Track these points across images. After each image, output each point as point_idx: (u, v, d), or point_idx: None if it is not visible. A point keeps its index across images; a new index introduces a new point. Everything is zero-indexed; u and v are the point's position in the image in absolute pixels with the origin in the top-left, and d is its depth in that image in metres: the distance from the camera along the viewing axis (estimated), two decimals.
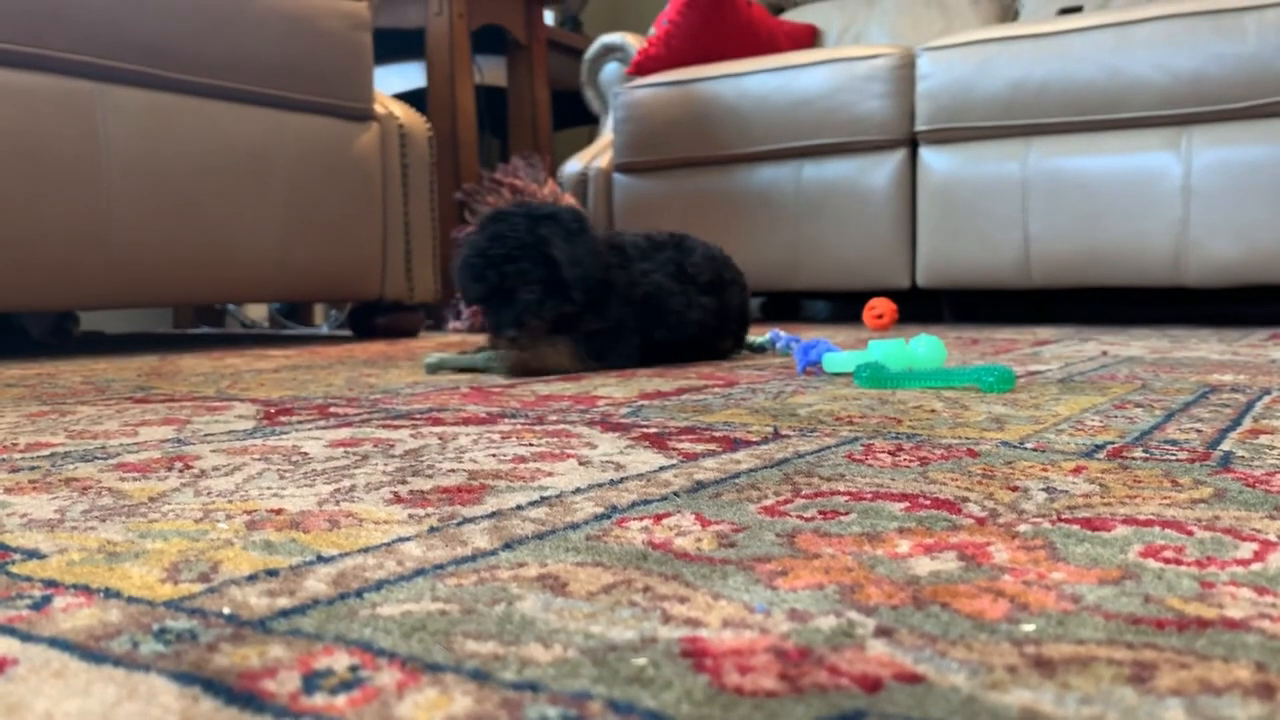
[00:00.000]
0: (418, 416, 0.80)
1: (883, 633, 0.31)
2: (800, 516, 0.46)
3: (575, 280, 1.17)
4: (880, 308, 1.94)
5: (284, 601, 0.34)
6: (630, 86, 2.59)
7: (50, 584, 0.37)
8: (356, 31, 1.92)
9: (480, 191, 2.33)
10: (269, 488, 0.53)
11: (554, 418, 0.78)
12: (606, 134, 2.76)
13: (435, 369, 1.20)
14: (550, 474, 0.56)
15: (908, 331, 1.77)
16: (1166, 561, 0.38)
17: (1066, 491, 0.50)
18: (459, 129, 2.58)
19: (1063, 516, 0.45)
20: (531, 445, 0.65)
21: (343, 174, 1.91)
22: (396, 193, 2.03)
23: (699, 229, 2.49)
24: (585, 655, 0.29)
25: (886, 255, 2.28)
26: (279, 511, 0.47)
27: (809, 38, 2.91)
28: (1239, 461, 0.57)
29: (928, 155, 2.23)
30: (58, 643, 0.31)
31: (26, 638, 0.31)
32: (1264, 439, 0.65)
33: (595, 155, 2.69)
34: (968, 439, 0.66)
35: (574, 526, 0.44)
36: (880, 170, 2.28)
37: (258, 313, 2.92)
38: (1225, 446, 0.62)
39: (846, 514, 0.46)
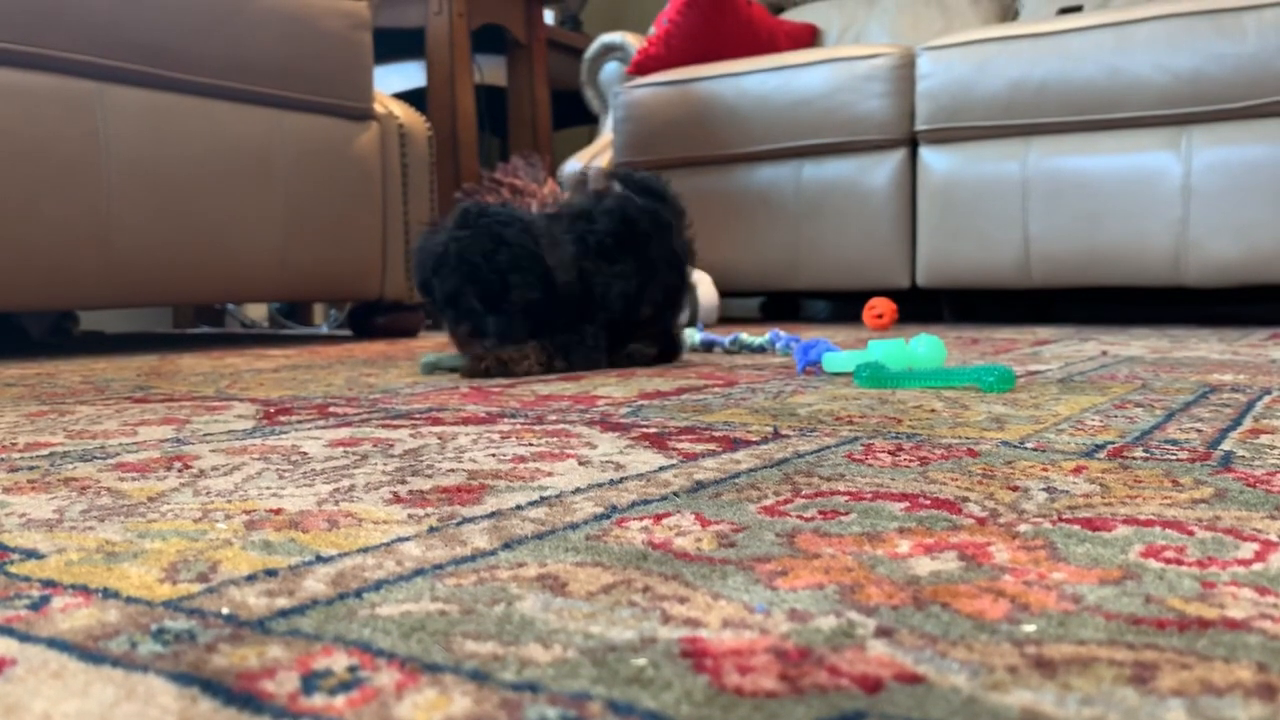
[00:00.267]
0: (417, 416, 0.80)
1: (883, 633, 0.31)
2: (800, 516, 0.46)
3: (563, 289, 1.14)
4: (880, 307, 1.94)
5: (283, 602, 0.34)
6: (630, 86, 2.59)
7: (49, 584, 0.37)
8: (356, 31, 1.92)
9: (480, 191, 2.33)
10: (268, 487, 0.53)
11: (554, 417, 0.78)
12: (606, 133, 2.76)
13: (431, 369, 1.20)
14: (550, 474, 0.56)
15: (908, 331, 1.77)
16: (1167, 562, 0.38)
17: (1067, 491, 0.50)
18: (459, 128, 2.58)
19: (1063, 516, 0.45)
20: (531, 445, 0.65)
21: (343, 173, 1.91)
22: (396, 192, 2.03)
23: (699, 228, 2.49)
24: (585, 655, 0.29)
25: (886, 255, 2.28)
26: (278, 511, 0.47)
27: (809, 37, 2.91)
28: (1240, 461, 0.57)
29: (928, 155, 2.23)
30: (56, 643, 0.31)
31: (25, 638, 0.31)
32: (1264, 439, 0.65)
33: (595, 155, 2.69)
34: (968, 439, 0.66)
35: (573, 526, 0.44)
36: (880, 170, 2.28)
37: (257, 312, 2.92)
38: (1226, 446, 0.62)
39: (846, 514, 0.46)
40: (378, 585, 0.36)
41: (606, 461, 0.59)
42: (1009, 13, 2.76)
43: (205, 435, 0.71)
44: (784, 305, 2.98)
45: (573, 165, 2.69)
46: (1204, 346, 1.44)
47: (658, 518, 0.45)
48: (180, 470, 0.58)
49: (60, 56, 1.51)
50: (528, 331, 1.15)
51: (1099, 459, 0.59)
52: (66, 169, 1.52)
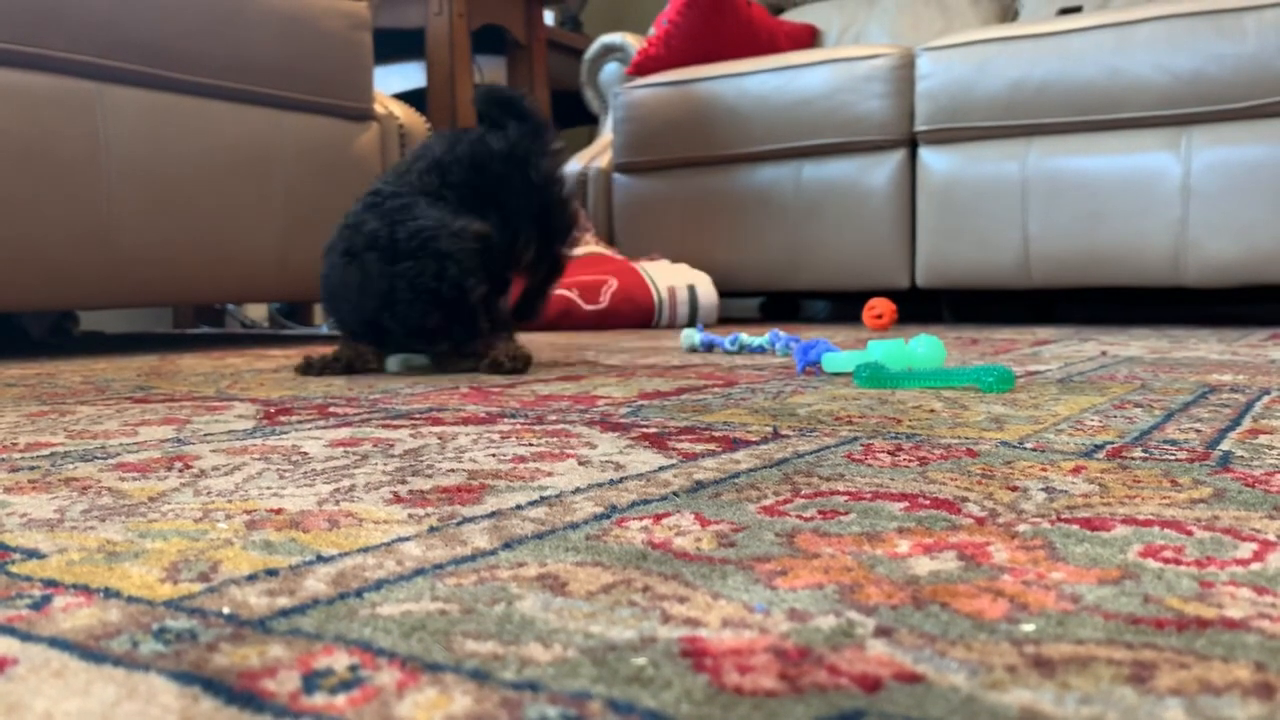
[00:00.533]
0: (417, 416, 0.80)
1: (882, 632, 0.31)
2: (800, 516, 0.46)
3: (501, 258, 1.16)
4: (880, 308, 1.94)
5: (284, 601, 0.34)
6: (630, 86, 2.59)
7: (50, 584, 0.37)
8: (356, 31, 1.92)
9: None
10: (269, 487, 0.53)
11: (553, 417, 0.78)
12: (606, 134, 2.76)
13: (402, 365, 1.20)
14: (550, 474, 0.56)
15: (907, 331, 1.77)
16: (1166, 561, 0.38)
17: (1066, 491, 0.50)
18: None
19: (1062, 516, 0.45)
20: (531, 445, 0.65)
21: (343, 174, 1.91)
22: None
23: (699, 229, 2.51)
24: (585, 655, 0.29)
25: (886, 255, 2.28)
26: (279, 511, 0.47)
27: (809, 38, 2.91)
28: (1238, 461, 0.57)
29: (927, 155, 2.23)
30: (57, 642, 0.31)
31: (26, 637, 0.31)
32: (1263, 439, 0.65)
33: (595, 155, 2.69)
34: (967, 439, 0.66)
35: (573, 526, 0.44)
36: (880, 170, 2.28)
37: (258, 313, 2.92)
38: (1225, 446, 0.62)
39: (846, 514, 0.46)
40: (378, 585, 0.36)
41: (606, 461, 0.59)
42: (1009, 13, 2.76)
43: (206, 435, 0.72)
44: (784, 305, 2.98)
45: (573, 165, 2.69)
46: (1203, 347, 1.44)
47: (657, 517, 0.46)
48: (181, 470, 0.58)
49: (60, 57, 1.51)
50: (487, 319, 1.17)
51: (1098, 459, 0.59)
52: (66, 169, 1.52)
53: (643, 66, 2.61)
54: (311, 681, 0.28)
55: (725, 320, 2.40)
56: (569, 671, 0.28)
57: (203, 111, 1.70)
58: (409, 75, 2.89)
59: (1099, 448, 0.62)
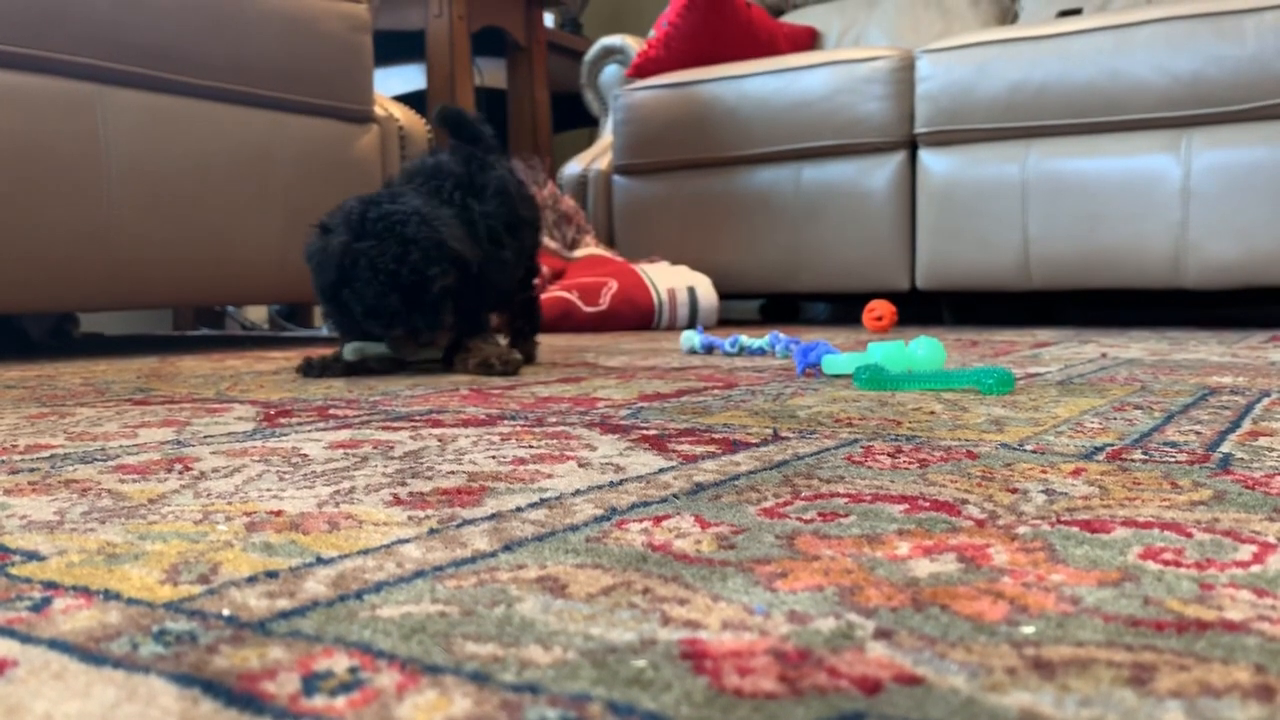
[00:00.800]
0: (417, 418, 0.80)
1: (882, 635, 0.31)
2: (800, 518, 0.46)
3: (489, 283, 1.18)
4: (880, 310, 1.94)
5: (284, 603, 0.34)
6: (630, 89, 2.59)
7: (50, 586, 0.37)
8: (356, 33, 1.92)
9: None
10: (268, 489, 0.53)
11: (553, 420, 0.78)
12: (606, 136, 2.76)
13: (356, 354, 1.21)
14: (550, 476, 0.56)
15: (907, 333, 1.77)
16: (1166, 564, 0.38)
17: (1066, 494, 0.50)
18: None
19: (1062, 519, 0.45)
20: (531, 447, 0.65)
21: (343, 176, 1.91)
22: None
23: (699, 231, 2.51)
24: (585, 657, 0.29)
25: (886, 257, 2.28)
26: (278, 513, 0.47)
27: (809, 40, 2.91)
28: (1238, 464, 0.57)
29: (927, 157, 2.23)
30: (57, 644, 0.31)
31: (26, 639, 0.31)
32: (1263, 441, 0.65)
33: (595, 157, 2.69)
34: (967, 441, 0.66)
35: (573, 528, 0.44)
36: (880, 172, 2.28)
37: (258, 314, 2.92)
38: (1224, 449, 0.62)
39: (846, 516, 0.46)
40: (378, 587, 0.36)
41: (606, 463, 0.59)
42: (1009, 15, 2.76)
43: (206, 437, 0.72)
44: (783, 307, 2.98)
45: (573, 168, 2.69)
46: (1203, 349, 1.44)
47: (657, 520, 0.46)
48: (181, 472, 0.58)
49: (61, 59, 1.52)
50: (453, 314, 1.17)
51: (1098, 461, 0.59)
52: (67, 171, 1.52)
53: (643, 69, 2.61)
54: (311, 683, 0.28)
55: (725, 322, 2.40)
56: (569, 673, 0.28)
57: (203, 114, 1.70)
58: (409, 77, 2.89)
59: (1099, 450, 0.62)
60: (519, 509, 0.48)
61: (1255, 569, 0.37)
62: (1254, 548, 0.40)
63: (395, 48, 2.69)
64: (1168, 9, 1.99)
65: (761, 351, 1.44)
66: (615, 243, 2.60)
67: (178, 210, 1.66)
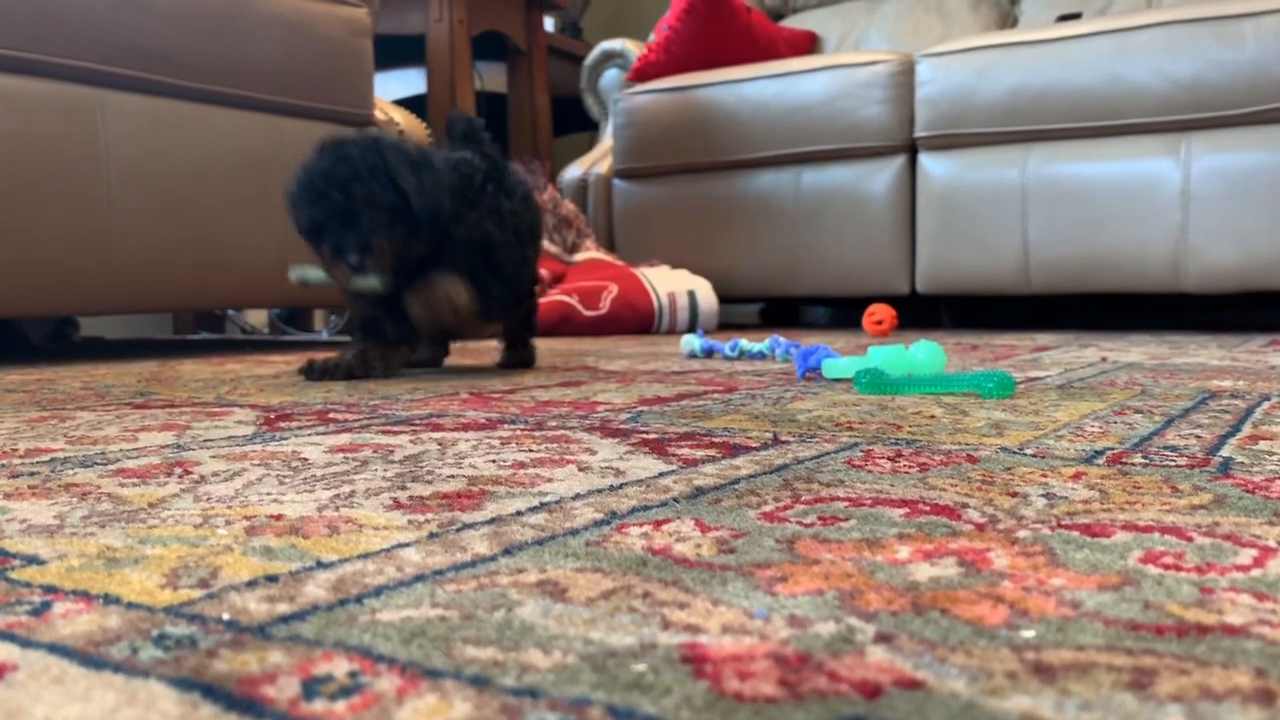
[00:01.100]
0: (417, 422, 0.80)
1: (882, 639, 0.31)
2: (800, 522, 0.46)
3: (424, 212, 1.11)
4: (880, 313, 1.94)
5: (283, 607, 0.34)
6: (630, 93, 2.60)
7: (49, 590, 0.37)
8: (357, 37, 1.92)
9: None
10: (268, 493, 0.53)
11: (553, 423, 0.78)
12: (606, 140, 2.77)
13: (302, 281, 1.21)
14: (550, 480, 0.56)
15: (907, 337, 1.77)
16: (1166, 567, 0.38)
17: (1066, 497, 0.50)
18: None
19: (1062, 522, 0.45)
20: (531, 451, 0.65)
21: None
22: None
23: (699, 235, 2.51)
24: (585, 661, 0.29)
25: (886, 261, 2.28)
26: (278, 517, 0.47)
27: (808, 44, 2.91)
28: (1239, 467, 0.57)
29: (927, 161, 2.23)
30: (57, 649, 0.31)
31: (26, 644, 0.31)
32: (1263, 445, 0.65)
33: (595, 161, 2.70)
34: (967, 445, 0.66)
35: (573, 532, 0.44)
36: (880, 176, 2.28)
37: (258, 318, 2.92)
38: (1225, 452, 0.62)
39: (846, 520, 0.46)
40: (378, 591, 0.36)
41: (606, 467, 0.59)
42: (1008, 19, 2.77)
43: (206, 441, 0.72)
44: (783, 311, 2.98)
45: (573, 171, 2.69)
46: (1203, 352, 1.44)
47: (657, 524, 0.46)
48: (181, 476, 0.58)
49: (60, 63, 1.52)
50: (390, 265, 1.13)
51: (1098, 465, 0.59)
52: (67, 175, 1.52)
53: (643, 72, 2.61)
54: (311, 688, 0.28)
55: (725, 326, 2.40)
56: (569, 678, 0.28)
57: (203, 118, 1.70)
58: (409, 81, 2.89)
59: (1099, 453, 0.62)
60: (519, 513, 0.48)
61: (1255, 573, 0.37)
62: (1254, 552, 0.40)
63: (395, 52, 2.69)
64: (1167, 13, 1.99)
65: (761, 355, 1.44)
66: (615, 247, 2.60)
67: (178, 214, 1.66)
